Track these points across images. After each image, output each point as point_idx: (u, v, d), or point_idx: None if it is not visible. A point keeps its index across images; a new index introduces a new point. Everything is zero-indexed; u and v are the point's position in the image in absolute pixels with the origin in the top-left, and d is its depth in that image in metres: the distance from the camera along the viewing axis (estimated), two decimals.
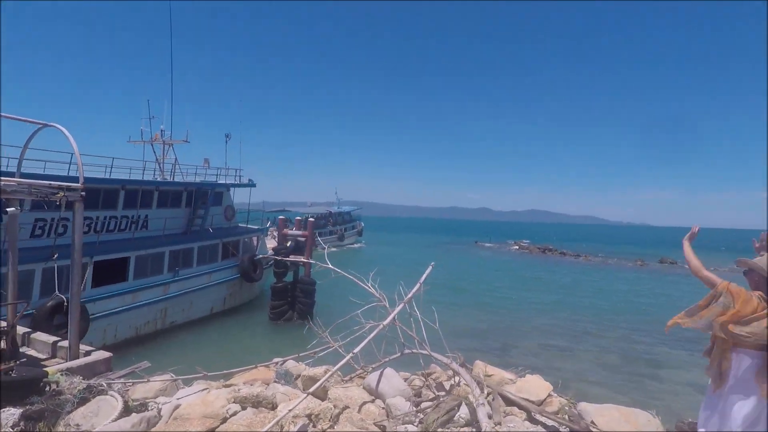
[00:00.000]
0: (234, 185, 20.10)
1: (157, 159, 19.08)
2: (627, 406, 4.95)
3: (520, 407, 4.82)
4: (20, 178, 6.13)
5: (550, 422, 4.57)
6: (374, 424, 4.25)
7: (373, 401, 4.86)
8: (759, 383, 3.25)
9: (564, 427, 4.51)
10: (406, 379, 5.47)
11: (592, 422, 4.79)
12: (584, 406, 5.12)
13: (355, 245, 56.89)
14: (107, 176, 14.65)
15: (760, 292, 3.25)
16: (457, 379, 5.87)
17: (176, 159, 19.28)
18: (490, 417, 4.59)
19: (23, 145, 6.88)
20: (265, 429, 3.48)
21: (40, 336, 6.53)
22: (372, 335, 4.94)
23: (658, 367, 14.49)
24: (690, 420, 4.99)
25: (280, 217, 19.61)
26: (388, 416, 4.40)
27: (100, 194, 13.83)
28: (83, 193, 5.79)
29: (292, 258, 19.13)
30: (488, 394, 5.13)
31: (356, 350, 4.63)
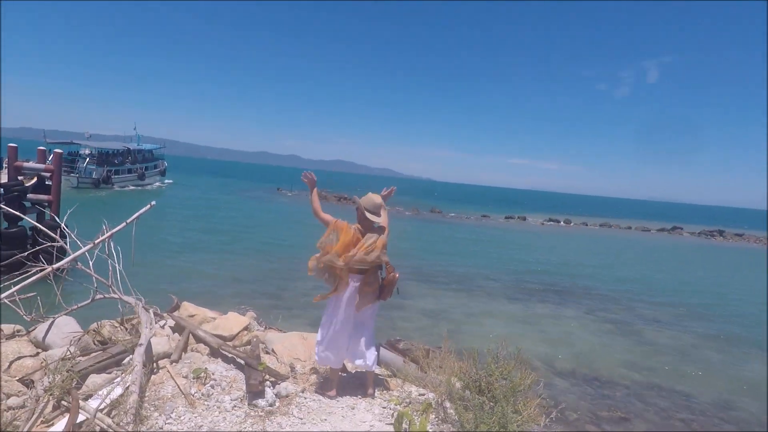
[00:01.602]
0: None
1: None
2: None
3: (206, 343, 5.15)
4: None
5: (230, 354, 5.02)
6: (17, 379, 3.95)
7: (36, 355, 4.51)
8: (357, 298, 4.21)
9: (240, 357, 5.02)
10: (93, 330, 5.20)
11: (273, 350, 5.48)
12: (271, 336, 5.80)
13: (156, 185, 53.55)
14: None
15: (357, 225, 4.18)
16: (162, 322, 5.90)
17: None
18: (167, 356, 4.79)
19: None
20: None
21: None
22: (34, 278, 4.50)
23: (405, 299, 17.26)
24: (393, 339, 6.18)
25: (10, 144, 15.53)
26: (43, 369, 4.14)
27: None
28: None
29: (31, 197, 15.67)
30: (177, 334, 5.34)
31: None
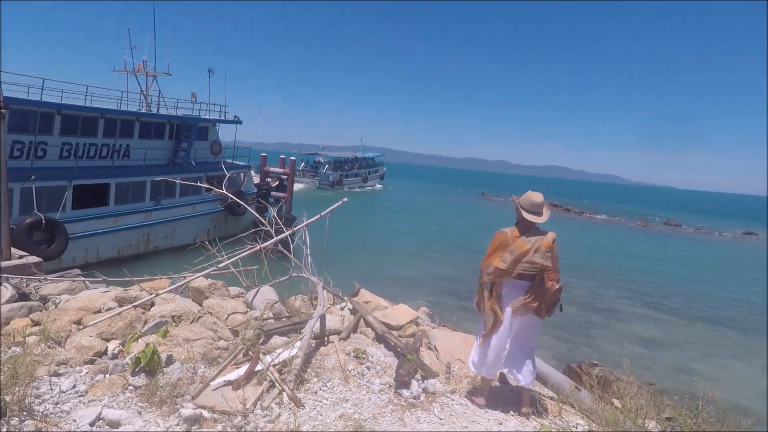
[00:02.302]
0: (219, 121, 20.47)
1: (141, 90, 19.45)
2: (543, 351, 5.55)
3: (373, 328, 5.45)
4: None
5: (392, 342, 5.19)
6: (230, 328, 4.93)
7: (245, 313, 5.56)
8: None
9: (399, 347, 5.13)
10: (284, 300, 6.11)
11: (435, 346, 5.42)
12: (437, 333, 5.75)
13: (377, 187, 65.20)
14: (88, 104, 15.18)
15: (514, 228, 3.71)
16: (342, 304, 6.54)
17: (159, 91, 19.66)
18: (338, 333, 5.25)
19: None
20: (104, 316, 4.16)
21: None
22: (246, 253, 5.53)
23: (612, 318, 15.04)
24: (586, 361, 5.58)
25: (262, 154, 20.10)
26: (244, 324, 5.07)
27: (78, 121, 14.42)
28: (3, 111, 6.25)
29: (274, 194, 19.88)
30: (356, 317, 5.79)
31: (224, 263, 5.23)
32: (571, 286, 18.70)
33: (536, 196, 3.72)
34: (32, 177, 12.40)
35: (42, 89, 13.47)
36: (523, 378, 3.81)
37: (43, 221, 12.13)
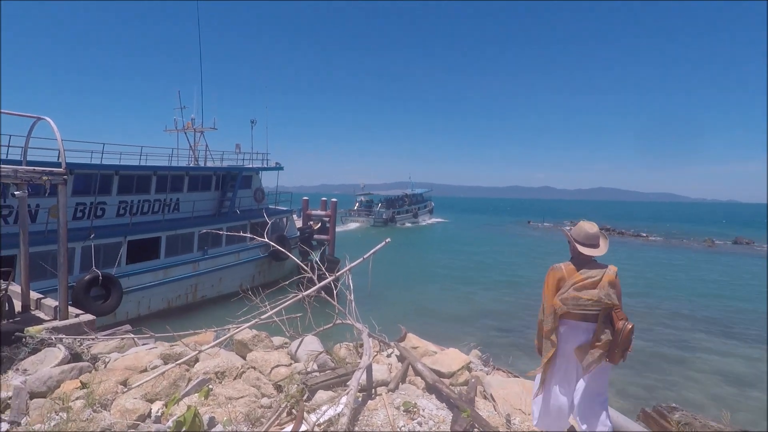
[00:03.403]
0: (262, 169, 21.22)
1: (190, 146, 20.61)
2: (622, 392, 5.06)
3: (422, 377, 5.09)
4: (25, 165, 7.19)
5: (444, 392, 4.81)
6: (273, 383, 4.74)
7: (289, 365, 5.37)
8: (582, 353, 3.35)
9: (452, 398, 4.74)
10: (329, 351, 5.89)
11: (491, 395, 4.98)
12: (492, 379, 5.30)
13: (429, 221, 68.01)
14: (143, 163, 16.19)
15: (570, 263, 3.35)
16: (389, 351, 6.23)
17: (207, 145, 20.77)
18: (385, 384, 4.94)
19: (26, 135, 7.96)
20: (149, 376, 4.08)
21: (49, 302, 7.65)
22: (288, 302, 5.38)
23: (687, 352, 13.67)
24: (663, 404, 5.00)
25: (304, 198, 20.52)
26: (288, 378, 4.87)
27: (133, 180, 15.35)
28: (65, 177, 6.66)
29: (316, 237, 20.04)
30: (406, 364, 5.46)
31: (267, 313, 5.10)
32: (635, 317, 17.32)
33: (590, 227, 3.38)
34: (92, 235, 13.16)
35: (102, 153, 14.52)
36: (597, 428, 3.35)
37: (100, 277, 12.73)
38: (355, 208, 58.35)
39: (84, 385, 4.46)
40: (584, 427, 3.43)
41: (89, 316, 6.90)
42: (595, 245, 3.32)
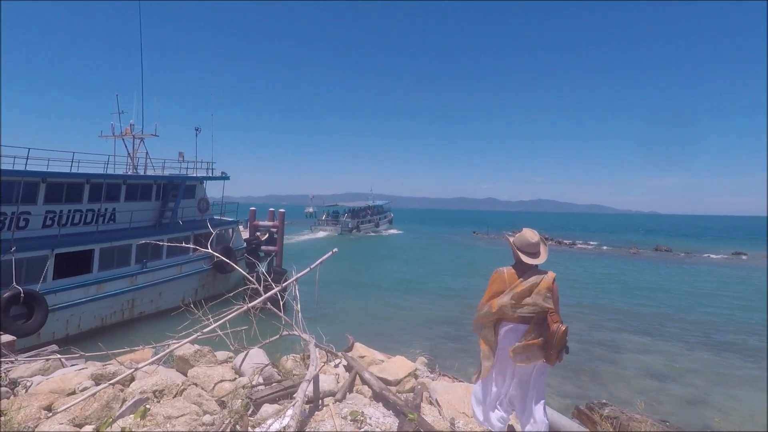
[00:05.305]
0: (206, 178, 20.47)
1: (128, 153, 19.52)
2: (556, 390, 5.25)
3: (369, 386, 5.13)
4: None
5: (390, 400, 4.87)
6: (216, 399, 4.59)
7: (234, 380, 5.21)
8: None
9: (399, 405, 4.82)
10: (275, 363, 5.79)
11: (437, 400, 5.11)
12: (437, 385, 5.44)
13: (387, 232, 72.21)
14: (74, 170, 15.09)
15: (511, 268, 3.58)
16: (337, 361, 6.22)
17: (147, 153, 19.77)
18: (333, 395, 4.93)
19: None
20: (77, 399, 3.83)
21: None
22: (232, 314, 5.23)
23: (614, 351, 14.61)
24: (594, 401, 5.27)
25: (252, 208, 20.02)
26: (232, 393, 4.73)
27: (63, 188, 14.28)
28: None
29: (264, 248, 19.55)
30: (351, 373, 5.47)
31: (210, 327, 4.94)
32: (567, 320, 18.36)
33: (531, 236, 3.61)
34: (13, 248, 12.07)
35: (27, 158, 13.41)
36: (537, 425, 3.55)
37: (22, 294, 11.70)
38: (323, 218, 64.23)
39: (0, 413, 4.10)
40: (524, 427, 3.62)
41: (9, 337, 6.34)
42: (536, 254, 3.55)
